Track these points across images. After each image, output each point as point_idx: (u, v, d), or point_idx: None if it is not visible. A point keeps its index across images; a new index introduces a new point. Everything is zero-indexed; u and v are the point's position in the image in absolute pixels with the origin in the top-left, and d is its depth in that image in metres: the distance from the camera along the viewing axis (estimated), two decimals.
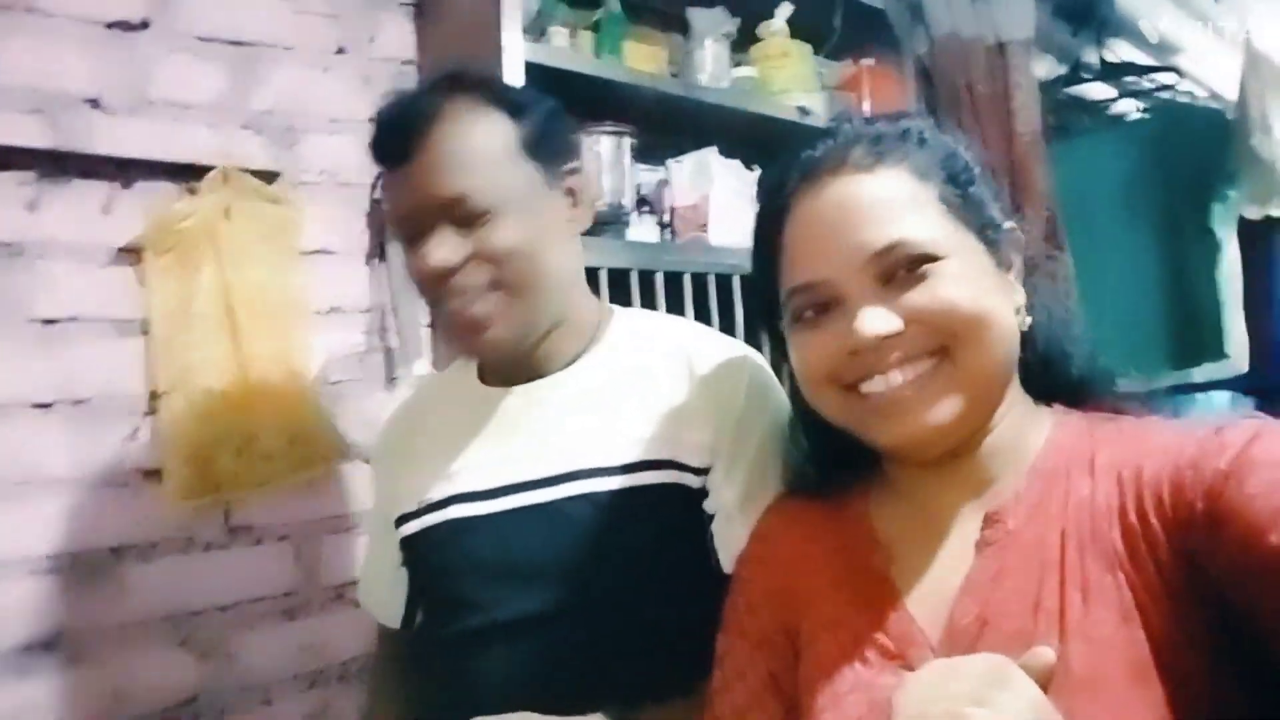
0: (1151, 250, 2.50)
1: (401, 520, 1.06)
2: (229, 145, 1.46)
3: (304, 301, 1.49)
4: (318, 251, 1.54)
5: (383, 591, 1.14)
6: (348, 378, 1.51)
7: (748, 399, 0.97)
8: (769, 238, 0.78)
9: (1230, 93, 2.59)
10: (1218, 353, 2.40)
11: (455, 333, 0.98)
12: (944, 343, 0.71)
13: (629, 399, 0.99)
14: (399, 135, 0.94)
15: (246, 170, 1.44)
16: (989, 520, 0.73)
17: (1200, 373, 2.41)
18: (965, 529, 0.74)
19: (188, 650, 1.34)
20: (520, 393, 1.03)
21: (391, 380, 1.53)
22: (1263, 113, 2.41)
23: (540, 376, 1.02)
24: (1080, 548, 0.67)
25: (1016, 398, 0.77)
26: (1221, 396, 2.64)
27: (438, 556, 1.03)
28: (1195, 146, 2.51)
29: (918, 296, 0.71)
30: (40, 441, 1.26)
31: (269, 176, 1.48)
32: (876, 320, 0.71)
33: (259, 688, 1.40)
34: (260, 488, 1.40)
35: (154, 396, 1.34)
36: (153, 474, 1.34)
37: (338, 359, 1.51)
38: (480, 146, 0.95)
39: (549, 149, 0.99)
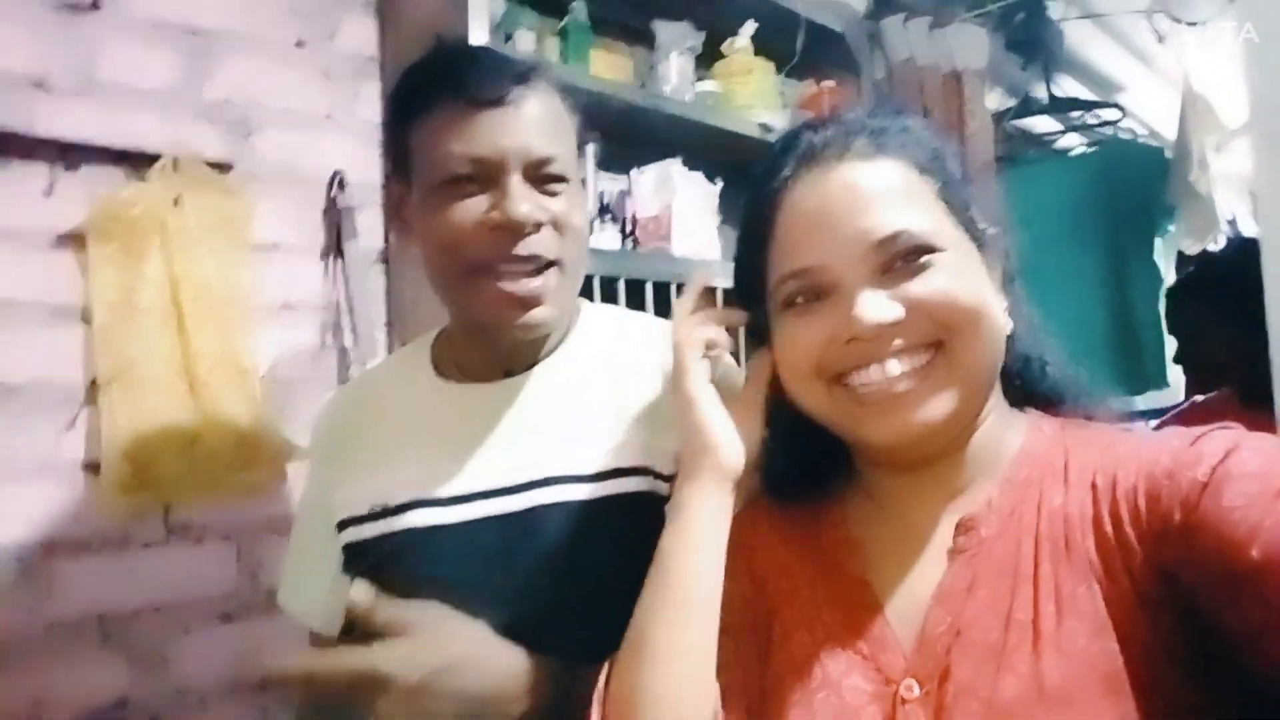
0: (1097, 281, 2.57)
1: (348, 524, 0.98)
2: (180, 134, 1.42)
3: (254, 296, 1.45)
4: (270, 246, 1.50)
5: (318, 597, 1.04)
6: (298, 376, 1.47)
7: None
8: (761, 221, 0.76)
9: (1169, 131, 2.69)
10: (1160, 382, 2.47)
11: (498, 304, 0.91)
12: (940, 335, 0.70)
13: (600, 401, 0.96)
14: (498, 77, 0.90)
15: (198, 160, 1.40)
16: (962, 528, 0.71)
17: (1143, 401, 2.47)
18: (940, 535, 0.73)
19: (118, 653, 1.27)
20: (487, 391, 0.98)
21: (345, 380, 1.49)
22: (1200, 150, 2.51)
23: (509, 374, 0.98)
24: (1054, 558, 0.66)
25: (996, 402, 0.76)
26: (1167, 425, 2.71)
27: (395, 566, 0.94)
28: (1136, 182, 2.60)
29: (918, 286, 0.70)
30: None
31: (221, 168, 1.44)
32: (878, 307, 0.69)
33: (194, 694, 1.33)
34: (203, 486, 1.34)
35: (93, 387, 1.28)
36: (90, 467, 1.28)
37: (289, 357, 1.47)
38: (564, 121, 0.95)
39: (581, 150, 0.99)
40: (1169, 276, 2.61)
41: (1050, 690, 0.62)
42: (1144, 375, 2.51)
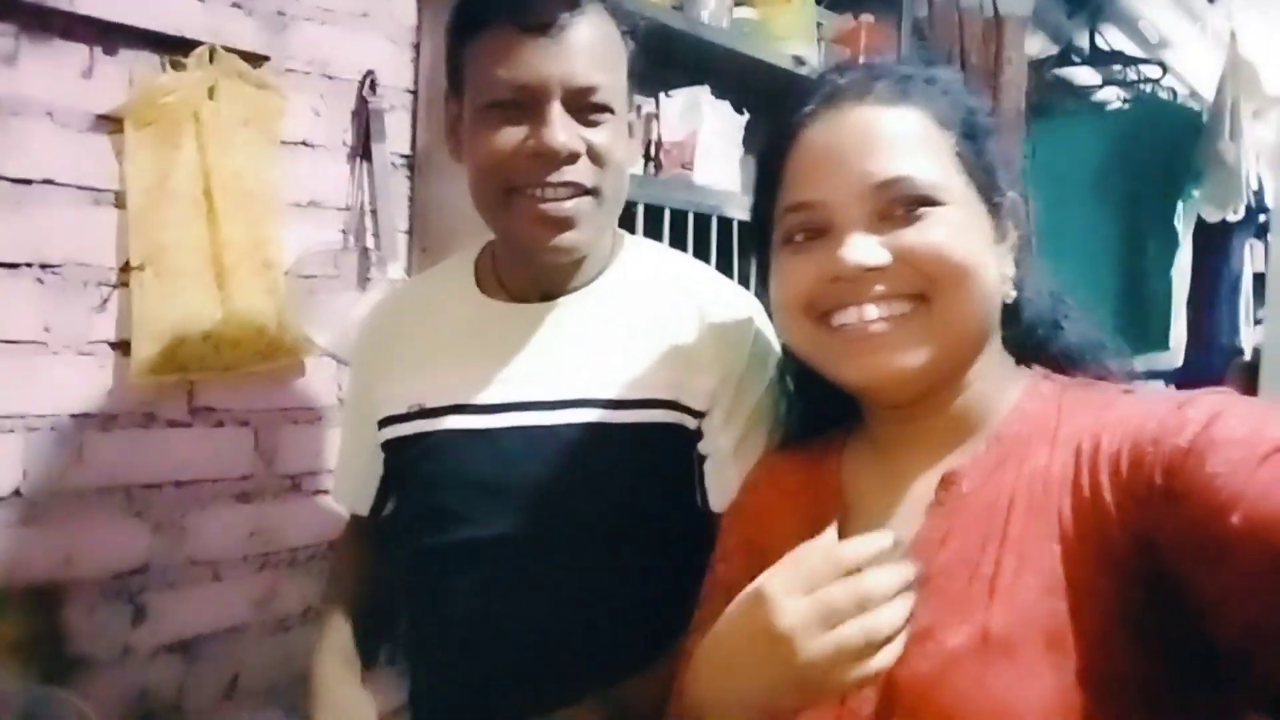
0: (1113, 238, 2.58)
1: (388, 422, 1.05)
2: (217, 22, 1.42)
3: (282, 192, 1.48)
4: (300, 143, 1.52)
5: (356, 483, 1.14)
6: (321, 274, 1.51)
7: (753, 351, 0.99)
8: (777, 155, 0.77)
9: (1210, 93, 2.65)
10: (1161, 344, 2.50)
11: (533, 225, 0.94)
12: (925, 288, 0.71)
13: (638, 333, 1.00)
14: (550, 2, 0.91)
15: (234, 50, 1.42)
16: (944, 482, 0.73)
17: (1141, 361, 2.51)
18: (925, 489, 0.75)
19: (141, 521, 1.35)
20: (527, 311, 1.02)
21: (365, 281, 1.54)
22: (1236, 117, 2.48)
23: (552, 297, 1.02)
24: (1027, 516, 0.68)
25: (994, 360, 0.77)
26: (1156, 386, 2.76)
27: (428, 465, 1.02)
28: (1167, 143, 2.58)
29: (911, 235, 0.71)
30: (6, 301, 1.24)
31: (256, 60, 1.45)
32: (864, 250, 0.71)
33: (209, 564, 1.42)
34: (225, 373, 1.40)
35: (125, 270, 1.33)
36: (120, 346, 1.33)
37: (312, 254, 1.51)
38: (614, 50, 0.95)
39: (635, 78, 0.99)
40: (1186, 241, 2.61)
41: (994, 639, 0.64)
42: (1147, 336, 2.55)
